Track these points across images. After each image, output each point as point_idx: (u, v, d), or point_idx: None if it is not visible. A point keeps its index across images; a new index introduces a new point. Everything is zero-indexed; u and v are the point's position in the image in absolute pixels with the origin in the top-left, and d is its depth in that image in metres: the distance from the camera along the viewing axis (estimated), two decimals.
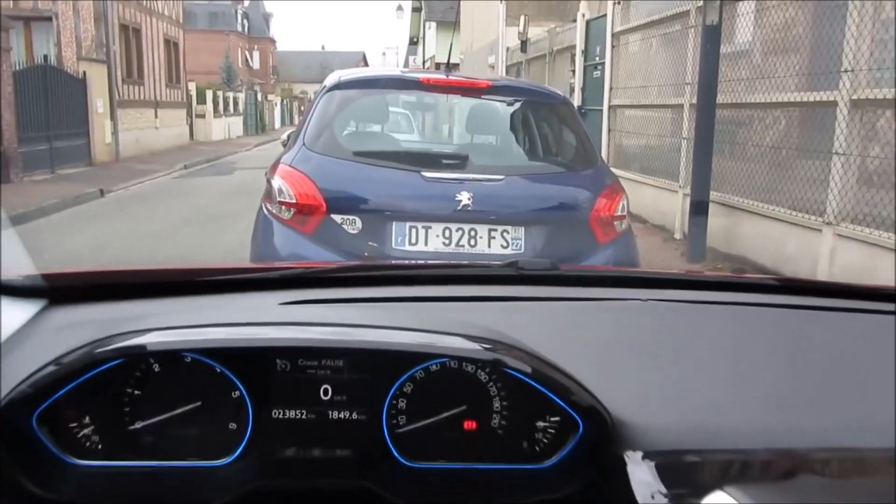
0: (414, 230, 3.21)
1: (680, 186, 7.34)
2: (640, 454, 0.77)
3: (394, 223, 3.19)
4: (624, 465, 0.76)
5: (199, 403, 0.79)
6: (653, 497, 0.71)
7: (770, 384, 0.92)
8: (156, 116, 19.95)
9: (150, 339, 0.78)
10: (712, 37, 5.88)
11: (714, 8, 5.85)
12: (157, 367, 0.79)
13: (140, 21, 18.93)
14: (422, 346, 0.81)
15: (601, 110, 9.97)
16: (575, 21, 11.30)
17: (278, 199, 3.29)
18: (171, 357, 0.79)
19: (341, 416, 0.80)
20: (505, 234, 3.22)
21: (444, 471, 0.81)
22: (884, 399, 0.88)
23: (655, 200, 8.09)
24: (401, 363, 0.81)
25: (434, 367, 0.81)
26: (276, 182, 3.34)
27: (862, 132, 4.86)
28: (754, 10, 6.54)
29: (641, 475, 0.74)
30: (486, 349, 0.81)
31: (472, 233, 3.20)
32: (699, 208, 5.97)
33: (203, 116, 27.05)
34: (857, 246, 4.74)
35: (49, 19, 15.87)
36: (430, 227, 3.21)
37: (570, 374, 0.81)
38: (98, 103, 15.64)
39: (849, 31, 4.83)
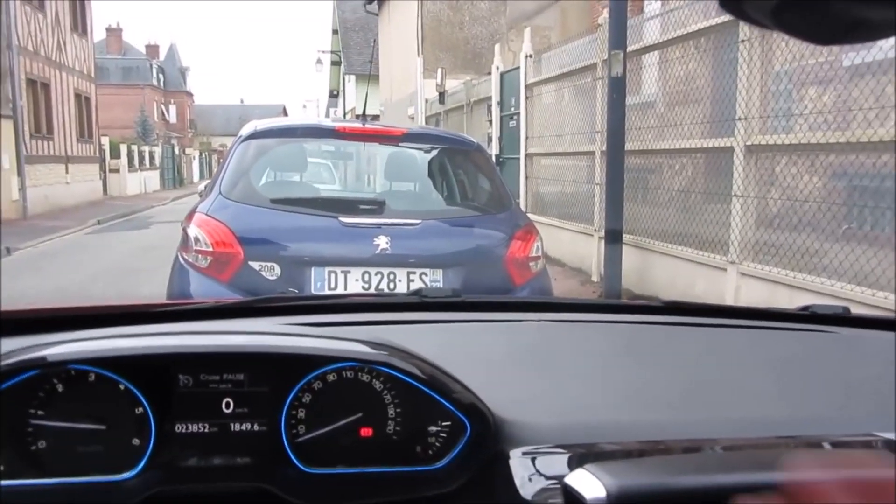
0: (333, 275, 3.23)
1: (595, 230, 7.60)
2: (520, 449, 0.84)
3: (313, 268, 3.21)
4: (507, 458, 0.83)
5: (102, 421, 0.80)
6: (530, 480, 0.79)
7: (639, 387, 1.04)
8: (66, 171, 19.35)
9: (50, 352, 0.79)
10: (618, 87, 6.18)
11: (618, 60, 6.16)
12: (60, 387, 0.80)
13: (49, 76, 18.47)
14: (317, 350, 0.85)
15: (518, 158, 10.26)
16: (490, 73, 11.67)
17: (195, 247, 3.27)
18: (74, 374, 0.80)
19: (243, 427, 0.83)
20: (423, 276, 3.28)
21: (342, 475, 0.84)
22: (735, 398, 1.03)
23: (573, 244, 8.33)
24: (298, 370, 0.84)
25: (331, 376, 0.85)
26: (193, 231, 3.32)
27: (757, 175, 5.18)
28: (658, 62, 6.93)
29: (521, 465, 0.82)
30: (376, 352, 0.86)
31: (391, 276, 3.25)
32: (613, 251, 6.19)
33: (117, 171, 26.41)
34: (759, 283, 5.01)
35: None
36: (349, 272, 3.24)
37: (453, 377, 0.87)
38: (4, 159, 15.10)
39: (740, 82, 5.18)
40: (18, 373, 0.77)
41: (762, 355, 1.20)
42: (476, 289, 3.28)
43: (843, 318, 1.31)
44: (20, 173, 15.77)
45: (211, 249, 3.22)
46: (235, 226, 3.26)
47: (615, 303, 1.54)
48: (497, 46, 12.08)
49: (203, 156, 49.46)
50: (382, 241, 3.24)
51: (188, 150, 45.49)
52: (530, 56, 9.90)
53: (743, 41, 5.14)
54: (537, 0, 16.28)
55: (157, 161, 33.65)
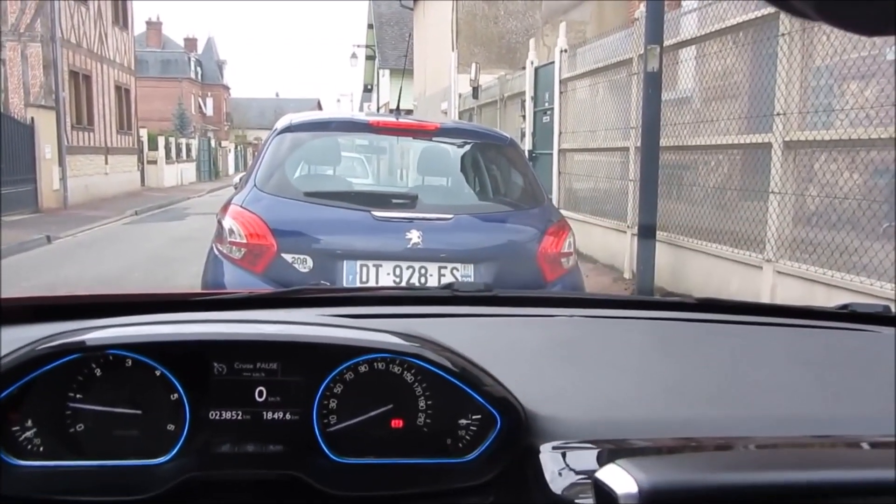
0: (365, 268, 3.25)
1: (628, 227, 7.53)
2: (551, 444, 0.84)
3: (344, 262, 3.23)
4: (537, 453, 0.83)
5: (138, 406, 0.82)
6: (560, 475, 0.79)
7: (671, 384, 1.04)
8: (106, 163, 19.72)
9: (90, 336, 0.81)
10: (653, 82, 6.11)
11: (654, 55, 6.09)
12: (98, 371, 0.82)
13: (90, 68, 18.83)
14: (349, 341, 0.86)
15: (551, 154, 10.21)
16: (524, 68, 11.62)
17: (229, 239, 3.31)
18: (112, 360, 0.82)
19: (275, 416, 0.84)
20: (455, 271, 3.28)
21: (373, 465, 0.85)
22: (771, 396, 1.02)
23: (605, 241, 8.27)
24: (330, 360, 0.85)
25: (363, 367, 0.86)
26: (227, 222, 3.36)
27: (795, 172, 5.08)
28: (695, 56, 6.84)
29: (551, 460, 0.82)
30: (408, 343, 0.86)
31: (423, 270, 3.26)
32: (646, 247, 6.13)
33: (155, 162, 26.83)
34: (796, 281, 4.92)
35: None
36: (381, 266, 3.25)
37: (485, 370, 0.87)
38: (46, 149, 15.43)
39: (779, 77, 5.09)
40: (58, 357, 0.80)
41: (799, 354, 1.19)
42: (508, 284, 3.27)
43: (883, 317, 1.29)
44: (61, 163, 16.11)
45: (245, 241, 3.26)
46: (269, 218, 3.29)
47: (648, 299, 1.53)
48: (532, 41, 12.02)
49: (238, 148, 50.00)
50: (414, 236, 3.25)
51: (224, 143, 46.05)
52: (565, 51, 9.83)
53: (783, 35, 5.04)
54: None
55: (194, 153, 34.13)
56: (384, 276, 3.24)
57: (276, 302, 1.22)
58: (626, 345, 1.19)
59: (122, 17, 21.82)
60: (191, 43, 55.49)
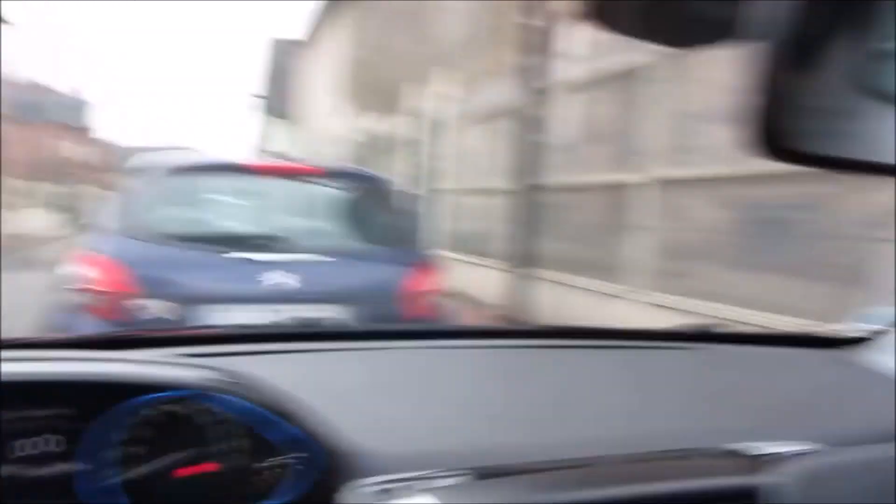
0: (227, 312, 3.15)
1: (510, 266, 7.66)
2: (365, 480, 0.80)
3: (204, 305, 3.12)
4: (350, 490, 0.80)
5: None
6: None
7: (504, 410, 1.02)
8: None
9: None
10: (533, 124, 6.34)
11: (535, 99, 6.32)
12: None
13: None
14: (129, 377, 0.79)
15: (435, 196, 10.34)
16: (411, 114, 11.77)
17: (85, 285, 3.14)
18: None
19: (42, 472, 0.74)
20: (320, 312, 3.23)
21: None
22: (599, 416, 1.03)
23: (487, 280, 8.38)
24: (108, 399, 0.77)
25: (146, 412, 0.78)
26: (83, 268, 3.19)
27: (661, 207, 5.35)
28: (572, 101, 7.12)
29: (364, 497, 0.79)
30: (190, 376, 0.81)
31: (287, 313, 3.18)
32: (522, 280, 6.26)
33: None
34: (662, 311, 5.13)
35: None
36: (244, 309, 3.16)
37: (286, 405, 0.83)
38: None
39: (650, 119, 5.38)
40: None
41: (632, 374, 1.20)
42: (375, 322, 3.24)
43: (707, 335, 1.34)
44: None
45: (101, 287, 3.10)
46: (129, 261, 3.15)
47: (492, 327, 1.56)
48: (418, 85, 12.23)
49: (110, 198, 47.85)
50: (279, 276, 3.18)
51: (98, 190, 44.10)
52: (449, 95, 10.05)
53: (654, 82, 5.35)
54: (460, 40, 16.60)
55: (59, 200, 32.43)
56: (246, 320, 3.14)
57: (101, 344, 1.12)
58: (460, 374, 1.16)
59: None
60: (72, 85, 53.17)
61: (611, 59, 6.06)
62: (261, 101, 32.54)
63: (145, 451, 0.77)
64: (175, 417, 0.79)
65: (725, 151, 4.76)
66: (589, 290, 6.19)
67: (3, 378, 0.75)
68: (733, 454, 0.89)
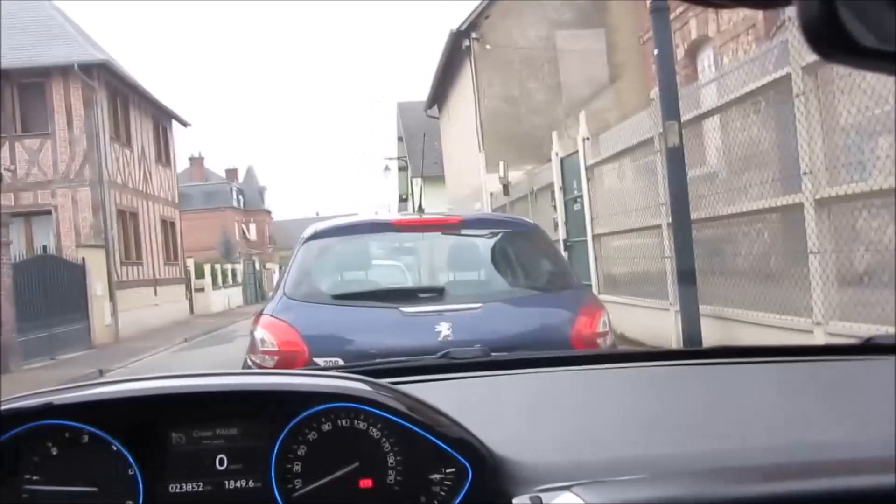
0: None
1: (671, 304, 7.38)
2: (528, 491, 0.80)
3: (377, 360, 3.20)
4: (510, 498, 0.79)
5: (94, 483, 0.80)
6: None
7: (656, 423, 1.03)
8: (155, 294, 20.28)
9: (27, 403, 0.80)
10: (676, 157, 6.14)
11: (674, 131, 6.15)
12: (54, 450, 0.80)
13: (137, 205, 19.68)
14: (303, 387, 0.83)
15: (586, 240, 10.19)
16: (550, 161, 11.79)
17: (261, 349, 3.32)
18: (68, 437, 0.80)
19: (237, 485, 0.81)
20: None
21: None
22: (755, 429, 1.01)
23: (649, 321, 8.10)
24: (288, 412, 0.82)
25: (326, 426, 0.82)
26: (259, 333, 3.38)
27: (832, 230, 4.97)
28: (718, 127, 6.87)
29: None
30: (365, 388, 0.83)
31: None
32: (689, 312, 5.99)
33: (202, 290, 27.50)
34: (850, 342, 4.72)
35: (49, 212, 16.53)
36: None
37: (449, 416, 0.83)
38: (97, 287, 15.96)
39: (800, 136, 5.06)
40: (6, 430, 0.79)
41: (801, 387, 1.16)
42: None
43: (860, 348, 1.24)
44: (112, 299, 16.61)
45: (276, 349, 3.27)
46: (299, 324, 3.31)
47: (633, 351, 1.57)
48: (555, 133, 12.25)
49: (282, 269, 51.03)
50: (444, 328, 3.22)
51: (268, 265, 47.14)
52: (587, 139, 9.98)
53: (798, 95, 5.05)
54: (592, 85, 16.56)
55: (240, 278, 34.94)
56: None
57: None
58: (609, 393, 1.18)
59: (164, 155, 22.97)
60: (232, 173, 57.91)
61: (744, 78, 5.82)
62: (401, 164, 33.82)
63: (327, 463, 0.80)
64: (352, 431, 0.81)
65: (888, 162, 4.38)
66: (761, 324, 5.83)
67: (173, 391, 0.80)
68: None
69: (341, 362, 3.20)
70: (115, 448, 0.80)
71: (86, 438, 0.81)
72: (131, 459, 0.80)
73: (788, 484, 0.72)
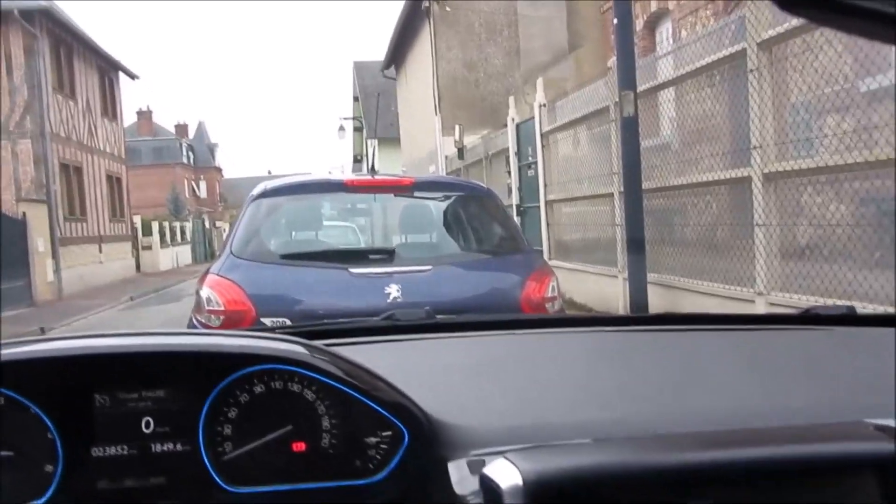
0: None
1: (619, 271, 7.49)
2: (466, 453, 0.80)
3: (325, 321, 3.18)
4: (447, 462, 0.79)
5: (12, 448, 0.77)
6: (465, 481, 0.76)
7: (604, 389, 1.02)
8: (100, 251, 19.78)
9: None
10: (630, 127, 6.18)
11: (629, 101, 6.17)
12: None
13: (81, 159, 19.06)
14: (231, 348, 0.80)
15: (538, 206, 10.25)
16: (506, 126, 11.77)
17: (207, 308, 3.27)
18: None
19: (164, 448, 0.78)
20: None
21: (272, 492, 0.79)
22: (710, 394, 1.01)
23: (598, 287, 8.22)
24: (217, 374, 0.80)
25: (258, 388, 0.80)
26: (205, 292, 3.32)
27: (779, 204, 5.08)
28: (673, 99, 6.92)
29: (457, 469, 0.78)
30: (298, 350, 0.81)
31: None
32: (637, 280, 6.10)
33: (150, 248, 26.91)
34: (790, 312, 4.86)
35: None
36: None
37: (384, 379, 0.83)
38: (39, 242, 15.49)
39: (752, 111, 5.13)
40: None
41: (743, 355, 1.17)
42: None
43: (843, 318, 1.26)
44: (55, 255, 16.14)
45: (223, 308, 3.21)
46: (246, 283, 3.26)
47: (586, 316, 1.57)
48: (511, 99, 12.21)
49: (232, 227, 50.26)
50: (394, 290, 3.20)
51: (219, 223, 46.37)
52: (543, 105, 9.98)
53: (752, 71, 5.11)
54: (551, 53, 16.52)
55: (189, 236, 34.29)
56: None
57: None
58: (559, 357, 1.18)
59: (111, 108, 22.23)
60: (182, 129, 56.41)
61: (700, 51, 5.86)
62: (356, 124, 33.42)
63: (259, 426, 0.79)
64: (286, 394, 0.80)
65: (841, 142, 4.48)
66: (705, 293, 5.96)
67: (97, 351, 0.77)
68: (862, 425, 0.82)
69: (288, 323, 3.16)
70: (32, 411, 0.77)
71: (1, 401, 0.77)
72: (49, 423, 0.76)
73: (731, 450, 0.72)
